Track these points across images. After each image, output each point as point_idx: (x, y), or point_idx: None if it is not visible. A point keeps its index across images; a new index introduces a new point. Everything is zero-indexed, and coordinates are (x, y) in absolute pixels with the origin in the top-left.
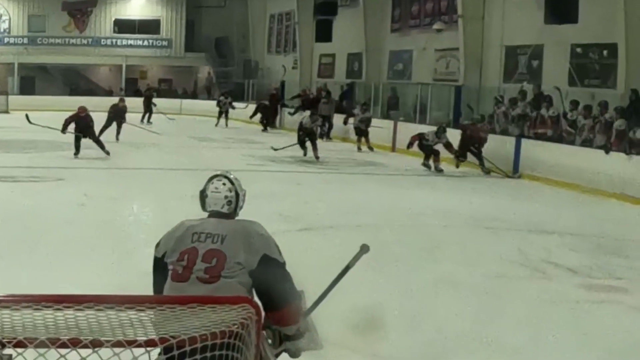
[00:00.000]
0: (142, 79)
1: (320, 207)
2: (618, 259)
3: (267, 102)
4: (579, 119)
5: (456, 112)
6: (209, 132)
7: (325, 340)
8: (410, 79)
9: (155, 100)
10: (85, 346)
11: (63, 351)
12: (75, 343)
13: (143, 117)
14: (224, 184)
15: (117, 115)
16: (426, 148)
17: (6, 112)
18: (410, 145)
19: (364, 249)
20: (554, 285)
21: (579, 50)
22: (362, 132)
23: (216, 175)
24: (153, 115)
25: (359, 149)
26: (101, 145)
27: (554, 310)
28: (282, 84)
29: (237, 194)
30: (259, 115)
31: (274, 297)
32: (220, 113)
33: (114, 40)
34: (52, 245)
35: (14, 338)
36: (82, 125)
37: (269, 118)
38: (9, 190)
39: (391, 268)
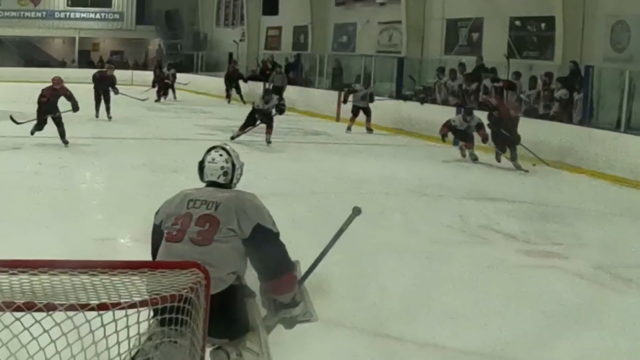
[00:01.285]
0: (94, 51)
1: (267, 175)
2: (556, 226)
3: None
4: (523, 90)
5: (399, 83)
6: (158, 103)
7: None
8: (355, 51)
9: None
10: (39, 309)
11: (18, 314)
12: (30, 307)
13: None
14: (220, 155)
15: (103, 84)
16: (460, 134)
17: None
18: (443, 136)
19: (356, 211)
20: (494, 250)
21: (517, 23)
22: (362, 110)
23: (214, 147)
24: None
25: (349, 128)
26: (107, 108)
27: (494, 275)
28: (230, 55)
29: (233, 165)
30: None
31: (268, 266)
32: (166, 86)
33: (67, 14)
34: (7, 211)
35: None
36: (54, 102)
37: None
38: None
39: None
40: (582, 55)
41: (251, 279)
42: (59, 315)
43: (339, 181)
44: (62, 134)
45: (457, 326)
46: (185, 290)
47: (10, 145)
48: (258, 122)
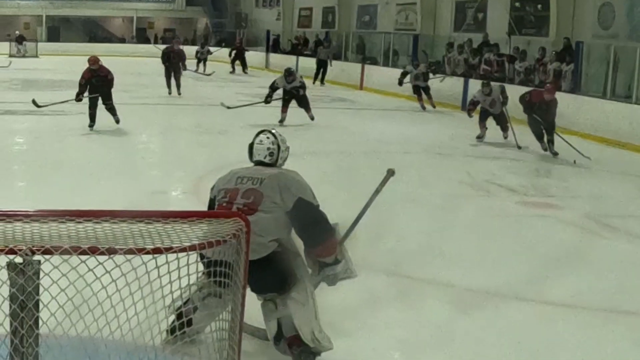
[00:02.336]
0: (150, 29)
1: (302, 136)
2: (551, 180)
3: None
4: (518, 63)
5: (414, 57)
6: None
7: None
8: (376, 28)
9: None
10: (102, 253)
11: (83, 257)
12: (93, 250)
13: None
14: (267, 137)
15: (172, 60)
16: (486, 114)
17: (36, 56)
18: (469, 112)
19: (390, 172)
20: (497, 202)
21: (517, 4)
22: (421, 89)
23: (263, 131)
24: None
25: (423, 107)
26: (177, 84)
27: (496, 223)
28: (268, 33)
29: (278, 147)
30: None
31: (311, 234)
32: (199, 60)
33: None
34: (74, 168)
35: (42, 246)
36: (97, 83)
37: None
38: (36, 122)
39: (360, 188)
40: (573, 32)
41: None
42: (119, 258)
43: (362, 142)
44: (111, 112)
45: (464, 267)
46: (229, 237)
47: (75, 111)
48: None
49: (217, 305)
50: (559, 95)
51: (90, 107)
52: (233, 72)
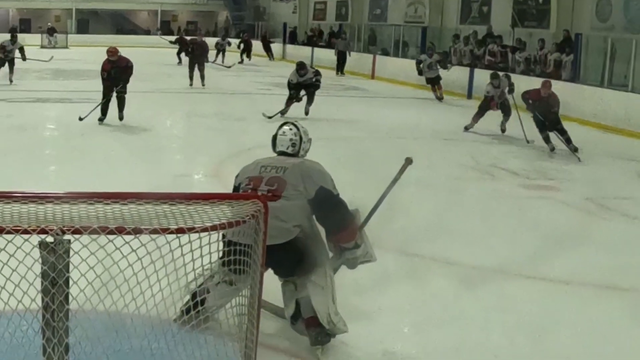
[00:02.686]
0: (173, 21)
1: (316, 122)
2: (552, 164)
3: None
4: (518, 54)
5: (422, 48)
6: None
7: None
8: (386, 21)
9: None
10: (128, 233)
11: (110, 237)
12: (120, 230)
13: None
14: (290, 129)
15: (195, 53)
16: (502, 107)
17: (66, 47)
18: (493, 108)
19: (408, 161)
20: (501, 185)
21: None
22: (433, 80)
23: (286, 123)
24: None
25: (437, 97)
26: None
27: (500, 204)
28: (285, 25)
29: (301, 139)
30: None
31: (333, 222)
32: (218, 51)
33: None
34: (102, 153)
35: (72, 226)
36: (116, 74)
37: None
38: (65, 109)
39: (372, 172)
40: (572, 25)
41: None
42: (144, 238)
43: (374, 128)
44: (120, 105)
45: (469, 246)
46: (248, 217)
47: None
48: (301, 95)
49: (230, 292)
50: (559, 85)
51: (104, 95)
52: (241, 62)
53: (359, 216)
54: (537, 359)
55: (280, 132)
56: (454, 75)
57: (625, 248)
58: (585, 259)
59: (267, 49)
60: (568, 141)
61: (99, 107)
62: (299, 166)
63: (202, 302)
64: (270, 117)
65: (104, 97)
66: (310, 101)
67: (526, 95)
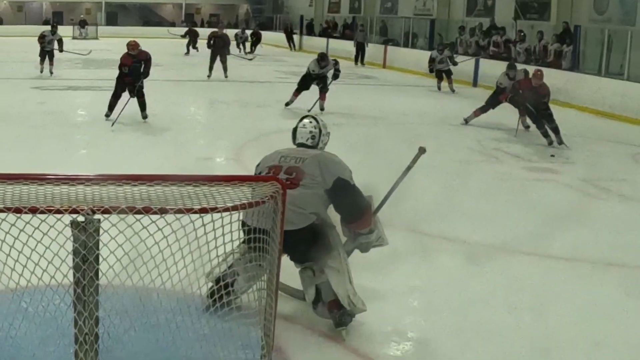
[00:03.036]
0: (197, 14)
1: (330, 108)
2: (552, 148)
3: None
4: (518, 45)
5: (430, 40)
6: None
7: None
8: (397, 14)
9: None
10: (154, 212)
11: (138, 216)
12: (147, 210)
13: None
14: (310, 122)
15: (217, 45)
16: (512, 101)
17: (96, 38)
18: (504, 100)
19: (422, 150)
20: (504, 167)
21: None
22: (443, 72)
23: (306, 116)
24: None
25: (439, 88)
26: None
27: (503, 186)
28: (301, 18)
29: (320, 132)
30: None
31: (350, 211)
32: (238, 43)
33: None
34: (130, 137)
35: (102, 207)
36: (135, 70)
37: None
38: (95, 97)
39: (384, 155)
40: (571, 17)
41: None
42: (169, 217)
43: (385, 113)
44: (142, 106)
45: (475, 225)
46: (267, 198)
47: None
48: (312, 86)
49: (258, 271)
50: (560, 73)
51: (114, 95)
52: (252, 52)
53: (373, 202)
54: (540, 332)
55: (301, 125)
56: (461, 65)
57: (622, 227)
58: (584, 237)
59: (290, 39)
60: (555, 131)
61: (115, 101)
62: (318, 157)
63: (232, 284)
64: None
65: (117, 94)
66: (323, 95)
67: (517, 85)
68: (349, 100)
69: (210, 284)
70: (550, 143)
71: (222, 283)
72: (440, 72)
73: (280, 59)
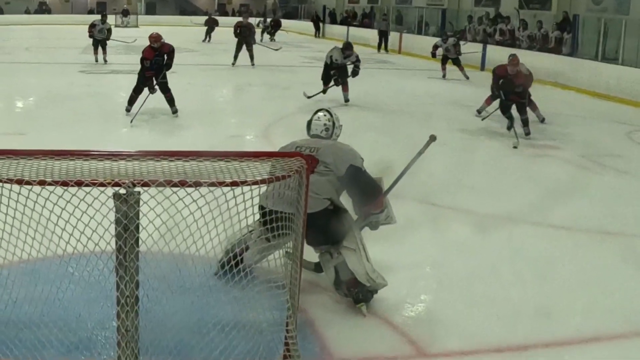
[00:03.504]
0: (228, 4)
1: (351, 90)
2: (553, 127)
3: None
4: (521, 32)
5: (442, 28)
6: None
7: None
8: (411, 4)
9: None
10: (189, 185)
11: (174, 189)
12: (183, 183)
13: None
14: (324, 115)
15: (243, 34)
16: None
17: (136, 26)
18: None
19: (432, 138)
20: (509, 143)
21: None
22: (451, 60)
23: (321, 109)
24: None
25: (444, 76)
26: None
27: (509, 160)
28: (324, 8)
29: (333, 124)
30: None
31: (362, 196)
32: (263, 31)
33: None
34: (167, 117)
35: (141, 180)
36: (158, 63)
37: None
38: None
39: (398, 133)
40: (571, 7)
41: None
42: (203, 190)
43: (400, 95)
44: (170, 102)
45: (482, 197)
46: (293, 172)
47: (169, 70)
48: (335, 78)
49: (267, 248)
50: (560, 59)
51: (136, 90)
52: (272, 39)
53: (383, 184)
54: (542, 295)
55: (315, 117)
56: (470, 53)
57: (616, 199)
58: (582, 208)
59: (317, 27)
60: (524, 123)
61: (136, 96)
62: (331, 147)
63: (237, 257)
64: (309, 97)
65: (138, 88)
66: (345, 87)
67: (495, 71)
68: (368, 83)
69: (221, 255)
70: (509, 127)
71: (231, 254)
72: (446, 58)
73: (304, 45)
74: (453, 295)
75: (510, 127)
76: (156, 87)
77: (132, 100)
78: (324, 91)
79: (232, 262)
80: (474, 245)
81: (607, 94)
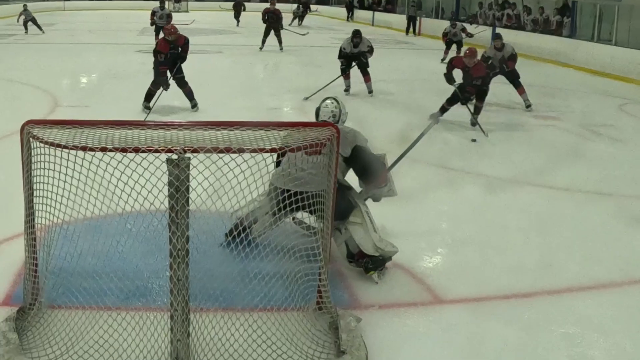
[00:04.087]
0: None
1: (375, 68)
2: (554, 100)
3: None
4: (525, 17)
5: (456, 12)
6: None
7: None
8: None
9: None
10: (234, 151)
11: (221, 155)
12: (228, 150)
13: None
14: (332, 102)
15: (271, 20)
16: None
17: (187, 11)
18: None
19: (435, 120)
20: (516, 115)
21: None
22: (454, 43)
23: (328, 98)
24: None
25: (442, 59)
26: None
27: (515, 130)
28: None
29: (340, 111)
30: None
31: (367, 174)
32: (294, 17)
33: None
34: (215, 90)
35: (192, 147)
36: (172, 56)
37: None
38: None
39: (417, 107)
40: None
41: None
42: (246, 155)
43: (418, 72)
44: (188, 95)
45: (493, 161)
46: (325, 140)
47: (215, 50)
48: (353, 65)
49: (272, 222)
50: (560, 40)
51: (153, 84)
52: (300, 24)
53: (386, 160)
54: (544, 248)
55: (323, 105)
56: (481, 32)
57: (610, 163)
58: (580, 171)
59: (349, 11)
60: (476, 110)
61: (155, 90)
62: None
63: (249, 227)
64: (306, 98)
65: (156, 83)
66: (367, 77)
67: (452, 61)
68: (389, 61)
69: (230, 225)
70: (437, 119)
71: (240, 227)
72: (451, 42)
73: (335, 28)
74: (466, 248)
75: (474, 123)
76: (171, 82)
77: (149, 96)
78: (347, 85)
79: (241, 234)
80: (484, 203)
81: (602, 71)
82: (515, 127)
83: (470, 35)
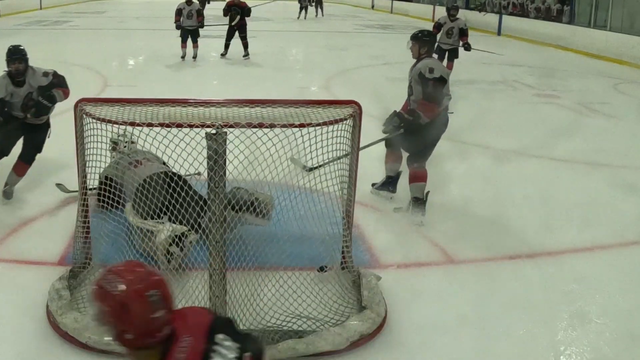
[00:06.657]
0: None
1: (392, 54)
2: (555, 80)
3: None
4: (529, 5)
5: (466, 1)
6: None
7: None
8: None
9: None
10: (266, 127)
11: (254, 130)
12: (261, 125)
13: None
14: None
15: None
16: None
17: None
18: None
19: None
20: (520, 94)
21: None
22: (446, 52)
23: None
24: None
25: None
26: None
27: (520, 108)
28: None
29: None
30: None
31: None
32: (301, 9)
33: None
34: (250, 71)
35: (228, 122)
36: (234, 14)
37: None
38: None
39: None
40: None
41: None
42: (277, 130)
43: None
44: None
45: (500, 136)
46: (349, 115)
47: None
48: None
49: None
50: (560, 26)
51: (227, 38)
52: (316, 15)
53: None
54: (545, 213)
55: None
56: (489, 19)
57: (604, 137)
58: (577, 144)
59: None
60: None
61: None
62: None
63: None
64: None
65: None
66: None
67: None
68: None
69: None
70: None
71: (242, 207)
72: (443, 51)
73: (357, 15)
74: (475, 213)
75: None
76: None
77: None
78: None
79: (244, 208)
80: (492, 173)
81: (598, 54)
82: (519, 105)
83: (467, 48)
